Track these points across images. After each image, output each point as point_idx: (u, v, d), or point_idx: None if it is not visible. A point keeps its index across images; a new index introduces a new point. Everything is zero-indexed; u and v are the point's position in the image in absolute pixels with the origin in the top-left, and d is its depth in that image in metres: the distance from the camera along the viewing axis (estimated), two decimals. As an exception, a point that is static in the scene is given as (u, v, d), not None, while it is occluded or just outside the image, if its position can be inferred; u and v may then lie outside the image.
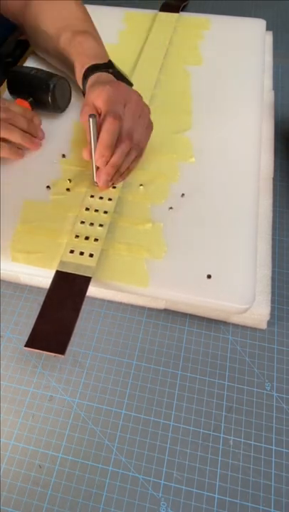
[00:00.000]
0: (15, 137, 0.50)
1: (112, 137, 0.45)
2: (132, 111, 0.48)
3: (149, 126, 0.51)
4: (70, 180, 0.50)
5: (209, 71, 0.63)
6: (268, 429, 0.40)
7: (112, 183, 0.49)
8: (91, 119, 0.43)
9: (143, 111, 0.50)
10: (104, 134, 0.45)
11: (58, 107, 0.57)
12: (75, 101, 0.60)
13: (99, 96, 0.47)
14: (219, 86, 0.61)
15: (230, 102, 0.58)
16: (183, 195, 0.48)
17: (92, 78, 0.52)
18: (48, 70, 0.58)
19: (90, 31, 0.58)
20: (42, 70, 0.57)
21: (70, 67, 0.57)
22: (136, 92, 0.50)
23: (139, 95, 0.50)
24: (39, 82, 0.55)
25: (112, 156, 0.46)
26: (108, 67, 0.54)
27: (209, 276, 0.42)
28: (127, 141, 0.47)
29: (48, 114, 0.57)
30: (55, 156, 0.53)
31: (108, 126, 0.45)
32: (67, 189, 0.49)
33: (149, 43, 0.66)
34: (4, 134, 0.49)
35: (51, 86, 0.54)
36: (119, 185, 0.49)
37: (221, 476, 0.38)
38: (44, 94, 0.55)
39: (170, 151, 0.53)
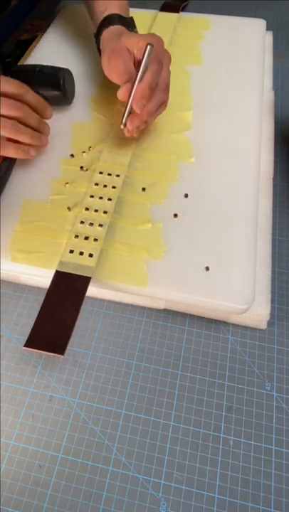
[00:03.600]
0: (24, 138, 0.48)
1: (156, 80, 0.45)
2: (168, 66, 0.49)
3: (169, 78, 0.51)
4: (83, 167, 0.51)
5: (209, 71, 0.63)
6: (268, 429, 0.40)
7: (139, 131, 0.49)
8: (149, 47, 0.42)
9: (165, 55, 0.50)
10: (150, 75, 0.45)
11: (68, 99, 0.58)
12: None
13: (140, 41, 0.47)
14: (219, 86, 0.61)
15: (230, 102, 0.58)
16: (186, 195, 0.48)
17: (111, 30, 0.52)
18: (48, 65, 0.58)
19: None
20: (45, 66, 0.57)
21: (91, 13, 0.57)
22: (168, 52, 0.50)
23: (161, 41, 0.50)
24: (48, 77, 0.55)
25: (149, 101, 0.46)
26: (132, 25, 0.54)
27: (207, 269, 0.42)
28: (162, 92, 0.47)
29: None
30: (55, 156, 0.53)
31: (155, 69, 0.45)
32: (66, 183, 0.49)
33: (149, 43, 0.66)
34: (13, 135, 0.47)
35: (61, 79, 0.55)
36: (118, 185, 0.49)
37: (221, 476, 0.38)
38: (55, 88, 0.55)
39: (170, 151, 0.53)
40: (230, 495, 0.37)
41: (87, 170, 0.51)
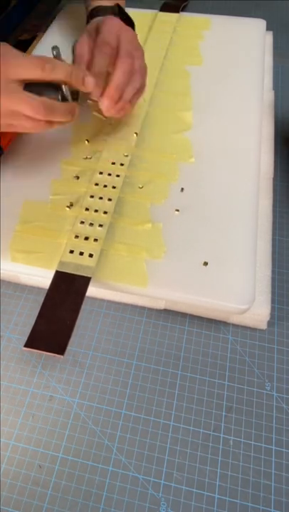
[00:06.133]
0: (57, 116, 0.45)
1: (125, 78, 0.46)
2: (129, 39, 0.48)
3: (146, 67, 0.51)
4: (78, 177, 0.50)
5: (209, 71, 0.63)
6: (268, 429, 0.40)
7: (118, 110, 0.48)
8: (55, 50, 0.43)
9: (139, 47, 0.50)
10: (120, 74, 0.45)
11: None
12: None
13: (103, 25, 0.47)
14: (219, 86, 0.61)
15: (230, 102, 0.58)
16: (186, 195, 0.48)
17: (92, 24, 0.51)
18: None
19: None
20: None
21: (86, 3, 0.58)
22: (131, 30, 0.50)
23: (135, 34, 0.50)
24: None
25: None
26: (114, 11, 0.53)
27: (206, 264, 0.43)
28: (129, 59, 0.46)
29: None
30: (55, 156, 0.53)
31: (124, 67, 0.45)
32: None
33: (149, 43, 0.66)
34: (48, 116, 0.44)
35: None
36: (119, 185, 0.49)
37: (221, 476, 0.38)
38: (56, 92, 0.53)
39: (170, 151, 0.53)
40: (230, 495, 0.37)
41: (87, 170, 0.51)
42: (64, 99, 0.55)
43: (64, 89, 0.50)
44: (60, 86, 0.54)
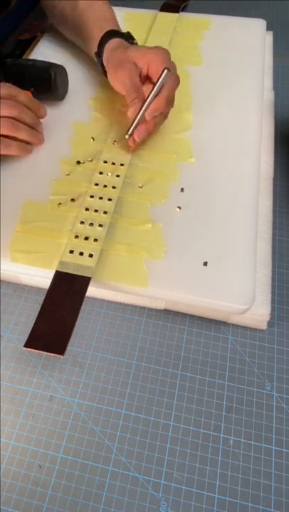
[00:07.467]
0: (22, 135, 0.50)
1: (172, 95, 0.48)
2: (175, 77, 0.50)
3: (178, 79, 0.53)
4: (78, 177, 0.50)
5: (209, 71, 0.63)
6: (268, 429, 0.40)
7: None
8: (166, 71, 0.46)
9: (170, 64, 0.52)
10: (167, 92, 0.48)
11: (59, 95, 0.58)
12: (71, 99, 0.60)
13: (146, 55, 0.49)
14: (219, 86, 0.61)
15: (230, 102, 0.58)
16: (182, 189, 0.49)
17: (114, 42, 0.53)
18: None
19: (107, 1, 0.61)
20: (39, 60, 0.57)
21: (85, 34, 0.59)
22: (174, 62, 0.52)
23: (166, 53, 0.51)
24: (40, 71, 0.56)
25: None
26: (131, 38, 0.55)
27: (206, 264, 0.43)
28: (170, 106, 0.50)
29: (47, 114, 0.57)
30: (55, 156, 0.53)
31: (172, 85, 0.48)
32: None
33: (149, 43, 0.66)
34: (12, 132, 0.49)
35: (52, 74, 0.55)
36: (119, 185, 0.49)
37: (221, 476, 0.38)
38: (46, 83, 0.55)
39: (170, 151, 0.53)
40: (230, 495, 0.37)
41: (87, 170, 0.51)
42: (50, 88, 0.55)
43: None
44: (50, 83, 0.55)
